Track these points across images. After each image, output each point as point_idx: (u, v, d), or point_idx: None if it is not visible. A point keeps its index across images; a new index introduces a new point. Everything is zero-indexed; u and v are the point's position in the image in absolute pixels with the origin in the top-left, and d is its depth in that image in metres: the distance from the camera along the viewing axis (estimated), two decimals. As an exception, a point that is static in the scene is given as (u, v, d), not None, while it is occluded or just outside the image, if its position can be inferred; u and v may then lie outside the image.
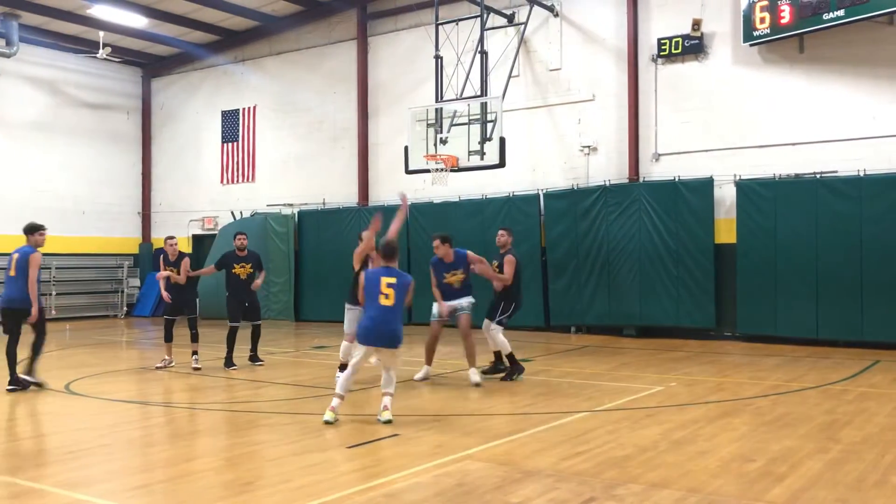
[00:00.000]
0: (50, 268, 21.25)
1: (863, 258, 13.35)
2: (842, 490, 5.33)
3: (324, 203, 20.28)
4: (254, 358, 11.92)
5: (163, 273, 11.67)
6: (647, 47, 15.94)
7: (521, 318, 16.54)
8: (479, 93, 15.05)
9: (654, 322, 15.46)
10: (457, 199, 17.58)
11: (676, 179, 15.23)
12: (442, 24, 15.70)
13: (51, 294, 21.30)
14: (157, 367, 11.52)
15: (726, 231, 14.90)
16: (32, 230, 9.97)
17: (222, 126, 22.36)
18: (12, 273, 9.70)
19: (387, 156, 19.14)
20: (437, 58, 15.39)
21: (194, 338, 11.53)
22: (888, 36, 13.64)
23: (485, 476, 5.70)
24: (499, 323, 10.39)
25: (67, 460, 6.35)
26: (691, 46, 15.34)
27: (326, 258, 19.37)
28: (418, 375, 10.22)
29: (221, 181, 22.40)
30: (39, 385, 9.62)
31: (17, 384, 9.46)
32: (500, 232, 10.86)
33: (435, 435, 7.08)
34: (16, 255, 9.80)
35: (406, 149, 15.17)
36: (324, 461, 6.21)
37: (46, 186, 21.47)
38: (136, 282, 23.30)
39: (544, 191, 16.74)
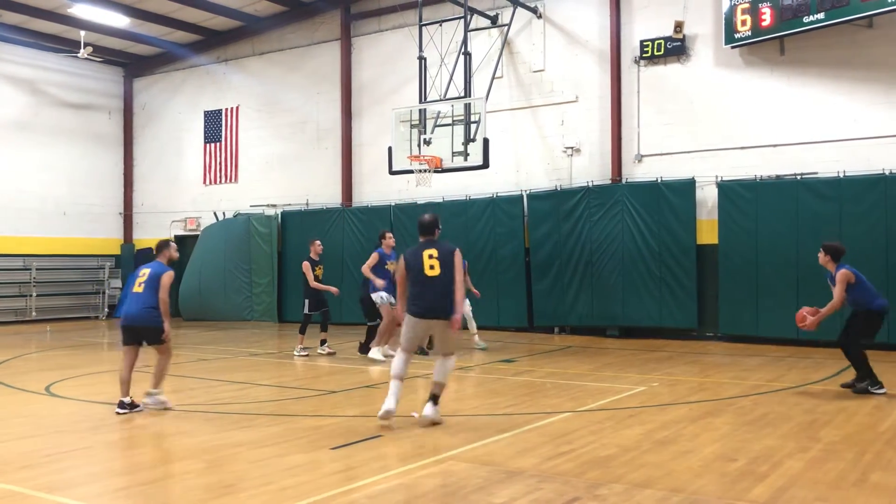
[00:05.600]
0: (31, 269, 21.11)
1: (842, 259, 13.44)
2: (822, 489, 5.38)
3: (307, 204, 20.22)
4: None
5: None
6: (630, 49, 16.02)
7: (505, 318, 16.74)
8: (462, 94, 15.04)
9: (636, 322, 15.52)
10: (440, 200, 17.58)
11: (659, 180, 15.31)
12: (425, 24, 15.70)
13: (31, 295, 21.14)
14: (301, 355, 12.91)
15: (708, 232, 14.99)
16: None
17: (205, 126, 22.25)
18: None
19: (370, 156, 19.11)
20: (421, 59, 15.38)
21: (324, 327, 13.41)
22: (867, 39, 13.78)
23: (468, 477, 5.71)
24: None
25: (48, 463, 6.30)
26: (673, 48, 15.43)
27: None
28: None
29: (204, 182, 22.28)
30: None
31: None
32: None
33: (418, 436, 7.08)
34: None
35: (390, 149, 15.15)
36: (307, 462, 6.19)
37: (27, 187, 21.29)
38: (118, 283, 23.11)
39: (528, 192, 16.78)
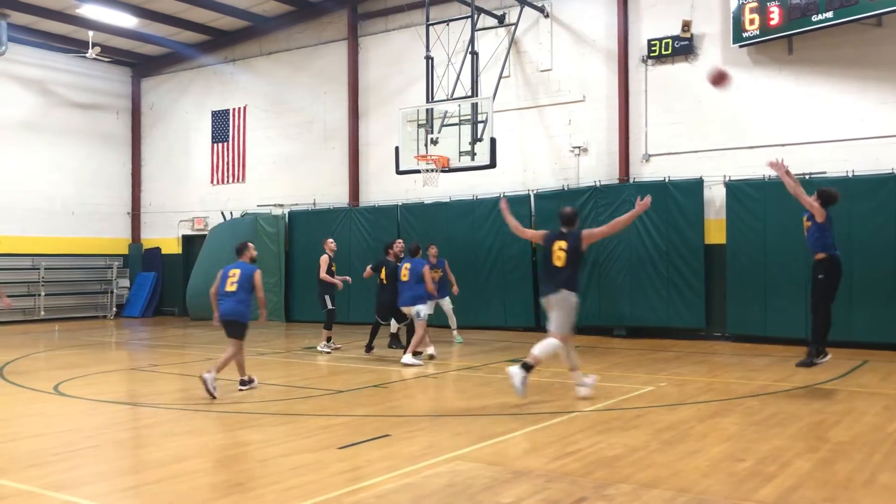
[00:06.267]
0: (39, 268, 21.18)
1: (850, 259, 13.33)
2: (830, 489, 5.36)
3: (314, 203, 20.25)
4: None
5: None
6: (637, 48, 15.99)
7: (512, 318, 16.73)
8: (469, 93, 15.05)
9: (644, 322, 15.49)
10: (447, 200, 17.58)
11: (666, 180, 15.27)
12: (433, 24, 15.71)
13: (40, 294, 21.22)
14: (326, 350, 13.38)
15: (716, 232, 14.95)
16: None
17: (212, 126, 22.30)
18: None
19: (377, 156, 19.12)
20: (428, 58, 15.38)
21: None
22: (876, 38, 13.72)
23: (475, 476, 5.71)
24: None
25: (56, 462, 6.32)
26: (681, 48, 15.39)
27: (317, 259, 19.30)
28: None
29: (211, 181, 22.33)
30: None
31: None
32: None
33: (425, 435, 7.08)
34: None
35: (397, 149, 15.16)
36: (314, 462, 6.19)
37: (35, 187, 21.37)
38: (126, 282, 23.21)
39: (535, 191, 16.76)
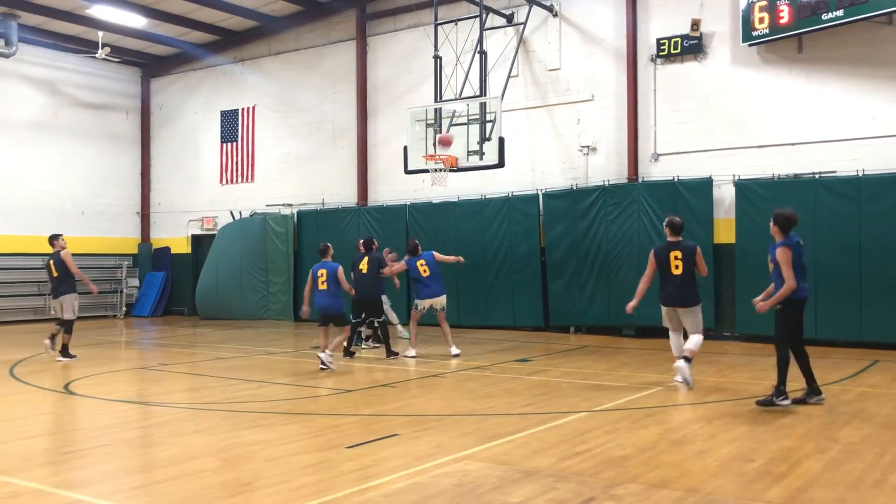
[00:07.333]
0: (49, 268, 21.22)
1: (861, 258, 13.35)
2: (841, 490, 5.33)
3: (323, 203, 20.27)
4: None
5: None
6: (647, 47, 15.94)
7: (521, 318, 16.71)
8: (478, 93, 15.04)
9: (653, 322, 15.33)
10: (456, 200, 17.58)
11: (675, 179, 15.23)
12: (441, 24, 15.70)
13: (50, 294, 21.28)
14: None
15: (725, 231, 14.90)
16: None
17: (221, 126, 22.35)
18: None
19: (386, 156, 19.13)
20: (437, 58, 15.38)
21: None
22: (887, 36, 13.64)
23: (484, 476, 5.70)
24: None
25: (66, 460, 6.35)
26: (690, 47, 15.34)
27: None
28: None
29: (220, 181, 22.39)
30: None
31: None
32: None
33: (434, 435, 7.08)
34: None
35: (405, 149, 15.16)
36: (322, 461, 6.20)
37: (45, 186, 21.46)
38: (136, 282, 23.29)
39: (543, 191, 16.74)
